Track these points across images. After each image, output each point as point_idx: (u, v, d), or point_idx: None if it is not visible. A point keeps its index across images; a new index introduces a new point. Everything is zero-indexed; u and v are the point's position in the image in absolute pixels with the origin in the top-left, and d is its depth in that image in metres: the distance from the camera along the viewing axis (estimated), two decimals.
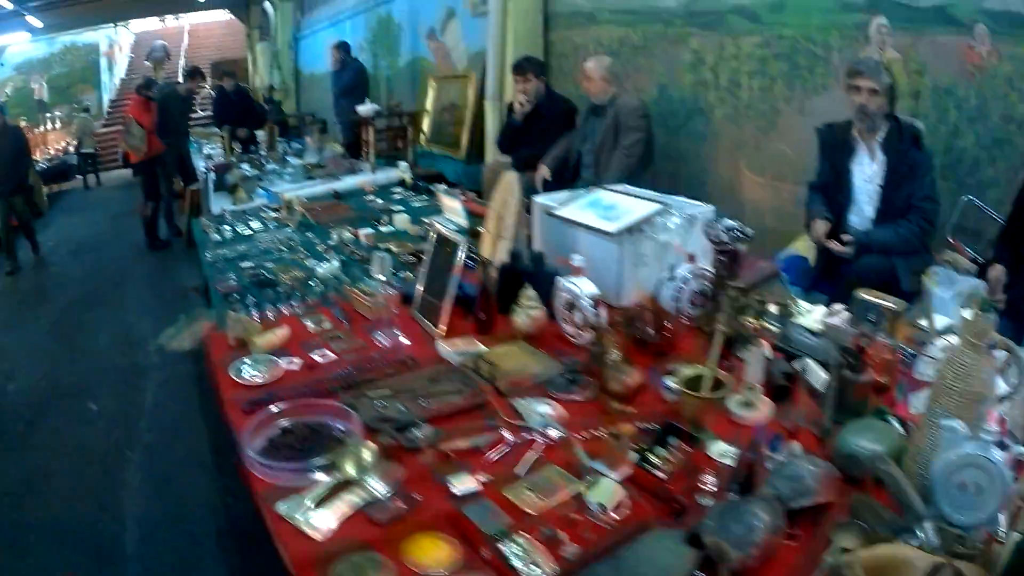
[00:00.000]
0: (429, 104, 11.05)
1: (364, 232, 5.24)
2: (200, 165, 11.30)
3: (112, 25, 31.44)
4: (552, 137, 7.03)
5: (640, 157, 6.29)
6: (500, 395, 2.81)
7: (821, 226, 4.59)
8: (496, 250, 3.77)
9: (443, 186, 6.95)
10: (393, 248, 4.87)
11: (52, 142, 26.28)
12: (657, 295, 3.35)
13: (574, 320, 3.24)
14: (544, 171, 6.75)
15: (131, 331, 8.25)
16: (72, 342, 8.19)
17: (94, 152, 22.95)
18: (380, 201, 6.70)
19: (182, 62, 32.45)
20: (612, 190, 4.20)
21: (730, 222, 3.20)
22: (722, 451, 2.35)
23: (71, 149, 24.42)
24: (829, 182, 4.74)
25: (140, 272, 10.88)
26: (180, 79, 25.00)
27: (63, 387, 6.95)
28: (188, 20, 36.67)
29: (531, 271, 3.63)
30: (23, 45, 29.07)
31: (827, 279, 4.61)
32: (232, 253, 5.25)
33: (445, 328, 3.37)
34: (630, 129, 6.24)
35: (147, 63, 30.78)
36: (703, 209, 3.84)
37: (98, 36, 31.30)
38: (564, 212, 3.99)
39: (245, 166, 8.66)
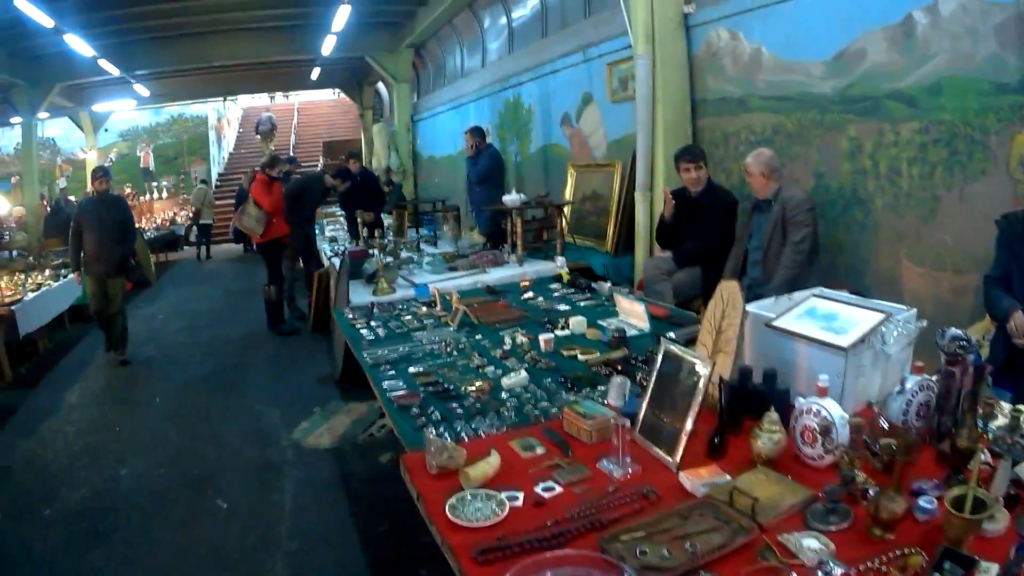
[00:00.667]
0: (568, 193, 10.83)
1: (544, 337, 4.86)
2: (324, 248, 11.07)
3: (220, 99, 31.92)
4: (714, 230, 6.91)
5: (808, 253, 6.06)
6: (760, 530, 2.52)
7: (1019, 317, 4.32)
8: (718, 366, 3.40)
9: (607, 283, 6.60)
10: (580, 356, 4.57)
11: (158, 211, 26.91)
12: (884, 408, 3.15)
13: (817, 443, 2.95)
14: None
15: (259, 421, 7.87)
16: (193, 428, 7.85)
17: (211, 224, 23.27)
18: (541, 299, 6.40)
19: (292, 139, 32.99)
20: (824, 296, 3.90)
21: (955, 331, 3.04)
22: (984, 568, 2.21)
23: (179, 219, 24.81)
24: (1009, 273, 4.53)
25: (263, 357, 10.53)
26: (291, 151, 25.36)
27: (185, 478, 6.60)
28: (297, 98, 37.20)
29: (765, 391, 3.35)
30: (128, 112, 29.96)
31: (1008, 373, 4.35)
32: (393, 354, 4.97)
33: (680, 458, 3.02)
34: (798, 224, 6.06)
35: (256, 135, 31.36)
36: (908, 315, 3.60)
37: (206, 108, 31.78)
38: (783, 323, 3.65)
39: (376, 252, 8.36)
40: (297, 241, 11.46)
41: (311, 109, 37.79)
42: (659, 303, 6.04)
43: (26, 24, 13.15)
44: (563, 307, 6.01)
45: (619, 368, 4.20)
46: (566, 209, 9.55)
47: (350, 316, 6.17)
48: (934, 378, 3.11)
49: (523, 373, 4.22)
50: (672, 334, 4.62)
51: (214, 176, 30.88)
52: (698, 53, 8.19)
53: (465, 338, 5.20)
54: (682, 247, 7.08)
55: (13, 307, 10.12)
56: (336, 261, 9.09)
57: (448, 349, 4.94)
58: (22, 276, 11.98)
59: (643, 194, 8.38)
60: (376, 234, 10.04)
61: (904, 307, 3.66)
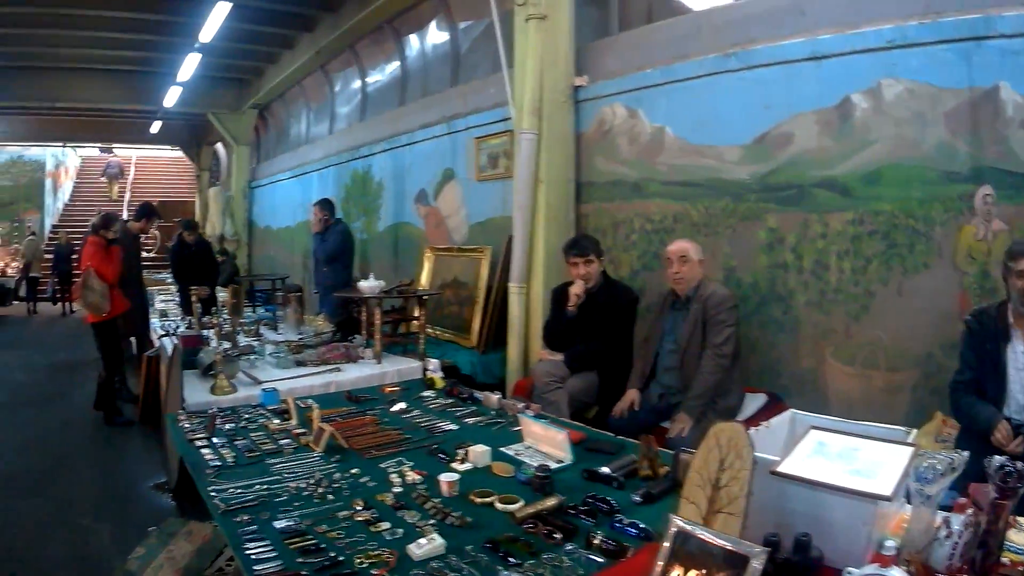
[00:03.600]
0: (425, 279, 9.69)
1: (445, 479, 3.60)
2: (155, 324, 9.60)
3: (60, 145, 30.41)
4: (610, 332, 6.02)
5: (731, 356, 5.44)
6: None
7: (1005, 428, 4.03)
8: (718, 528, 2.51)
9: (496, 395, 5.41)
10: (499, 505, 3.38)
11: None
12: (927, 555, 2.60)
13: None
14: (635, 396, 5.67)
15: (88, 542, 5.83)
16: (11, 545, 5.74)
17: (39, 278, 21.93)
18: (416, 412, 5.18)
19: (127, 196, 31.61)
20: (824, 428, 3.09)
21: (999, 458, 2.55)
22: None
23: (9, 271, 23.45)
24: (981, 376, 4.27)
25: (90, 452, 8.38)
26: (125, 215, 23.22)
27: None
28: (135, 153, 35.30)
29: (798, 563, 2.49)
30: None
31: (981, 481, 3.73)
32: (248, 493, 3.61)
33: None
34: (720, 324, 5.43)
35: (103, 178, 29.90)
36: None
37: (45, 153, 30.07)
38: (795, 469, 2.72)
39: (211, 336, 7.01)
40: (135, 315, 9.91)
41: (148, 165, 35.88)
42: (571, 424, 4.93)
43: None
44: (447, 425, 4.82)
45: (559, 524, 3.08)
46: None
47: (186, 426, 4.79)
48: (970, 511, 2.62)
49: (438, 539, 2.97)
50: (607, 468, 3.70)
51: (47, 227, 29.02)
52: (587, 131, 7.35)
53: (338, 471, 3.90)
54: (575, 350, 6.07)
55: None
56: (167, 342, 7.68)
57: (320, 490, 3.62)
58: None
59: (519, 286, 7.37)
60: (211, 311, 8.45)
61: (902, 428, 3.11)
